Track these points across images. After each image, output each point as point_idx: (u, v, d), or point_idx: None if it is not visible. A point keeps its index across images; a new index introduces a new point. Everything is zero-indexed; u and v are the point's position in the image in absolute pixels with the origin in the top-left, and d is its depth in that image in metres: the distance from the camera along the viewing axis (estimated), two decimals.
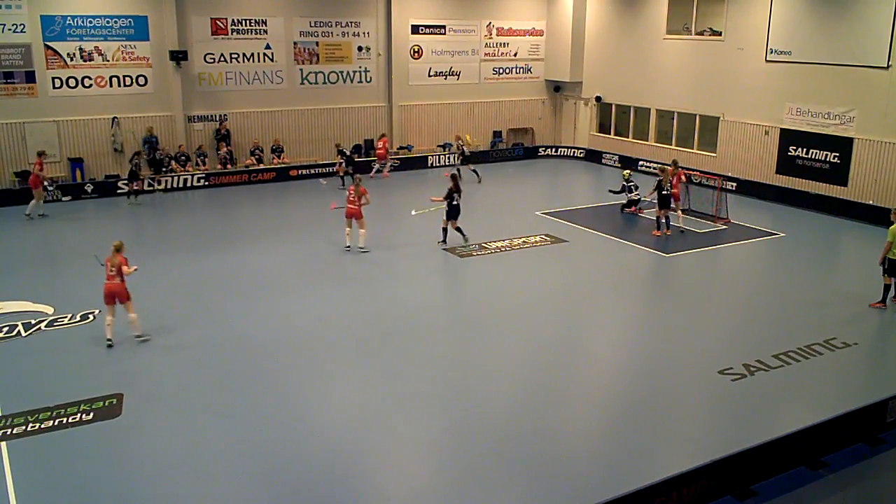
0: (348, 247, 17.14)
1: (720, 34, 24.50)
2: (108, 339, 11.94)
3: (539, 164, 29.13)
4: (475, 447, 9.27)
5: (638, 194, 20.60)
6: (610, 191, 21.58)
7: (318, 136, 26.44)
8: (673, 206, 18.94)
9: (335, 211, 18.12)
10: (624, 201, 20.79)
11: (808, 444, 8.90)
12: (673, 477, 7.81)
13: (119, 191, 22.55)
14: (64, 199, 21.69)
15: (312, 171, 25.27)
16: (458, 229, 17.51)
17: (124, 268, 11.83)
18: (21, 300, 13.81)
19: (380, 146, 25.61)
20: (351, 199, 16.84)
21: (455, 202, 17.27)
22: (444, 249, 17.19)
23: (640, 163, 26.39)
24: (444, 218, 17.47)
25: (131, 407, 10.10)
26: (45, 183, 20.48)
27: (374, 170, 25.43)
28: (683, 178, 20.34)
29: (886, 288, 13.91)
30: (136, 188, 21.78)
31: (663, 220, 18.67)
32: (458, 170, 22.08)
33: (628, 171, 21.35)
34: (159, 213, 21.31)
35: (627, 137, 28.29)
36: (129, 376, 11.00)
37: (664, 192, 18.41)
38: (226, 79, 24.61)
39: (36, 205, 19.96)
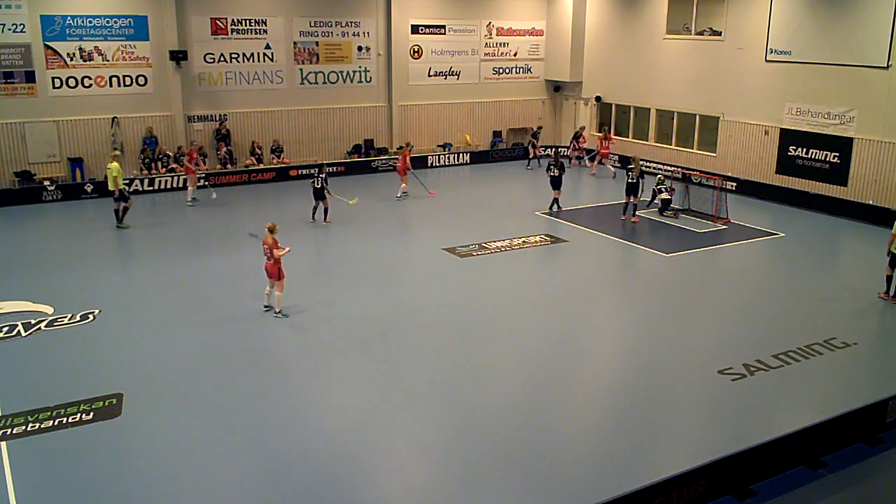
0: None
1: (720, 34, 24.48)
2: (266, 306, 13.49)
3: (539, 164, 29.05)
4: (476, 447, 9.27)
5: (669, 194, 20.82)
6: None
7: (318, 136, 26.43)
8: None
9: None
10: (658, 204, 20.85)
11: (807, 444, 8.91)
12: (673, 477, 7.82)
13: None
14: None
15: (312, 172, 25.19)
16: (555, 200, 20.73)
17: (275, 251, 12.97)
18: (21, 300, 13.82)
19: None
20: None
21: (554, 174, 20.64)
22: (444, 249, 17.22)
23: (640, 163, 26.32)
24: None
25: (131, 407, 10.11)
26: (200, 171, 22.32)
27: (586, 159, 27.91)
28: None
29: (889, 279, 14.01)
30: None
31: (630, 205, 19.99)
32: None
33: (661, 176, 21.37)
34: (153, 213, 21.33)
35: (627, 137, 28.27)
36: (129, 376, 11.00)
37: (631, 181, 19.74)
38: (226, 79, 24.60)
39: (195, 191, 21.66)
